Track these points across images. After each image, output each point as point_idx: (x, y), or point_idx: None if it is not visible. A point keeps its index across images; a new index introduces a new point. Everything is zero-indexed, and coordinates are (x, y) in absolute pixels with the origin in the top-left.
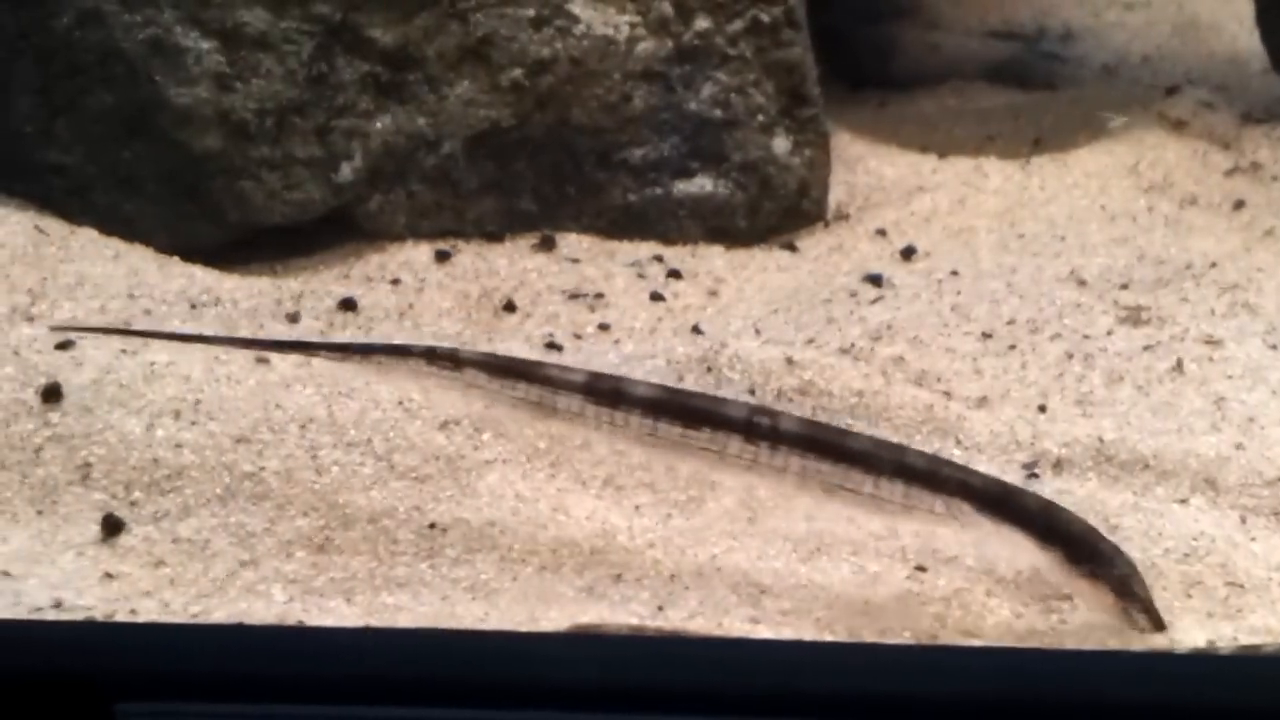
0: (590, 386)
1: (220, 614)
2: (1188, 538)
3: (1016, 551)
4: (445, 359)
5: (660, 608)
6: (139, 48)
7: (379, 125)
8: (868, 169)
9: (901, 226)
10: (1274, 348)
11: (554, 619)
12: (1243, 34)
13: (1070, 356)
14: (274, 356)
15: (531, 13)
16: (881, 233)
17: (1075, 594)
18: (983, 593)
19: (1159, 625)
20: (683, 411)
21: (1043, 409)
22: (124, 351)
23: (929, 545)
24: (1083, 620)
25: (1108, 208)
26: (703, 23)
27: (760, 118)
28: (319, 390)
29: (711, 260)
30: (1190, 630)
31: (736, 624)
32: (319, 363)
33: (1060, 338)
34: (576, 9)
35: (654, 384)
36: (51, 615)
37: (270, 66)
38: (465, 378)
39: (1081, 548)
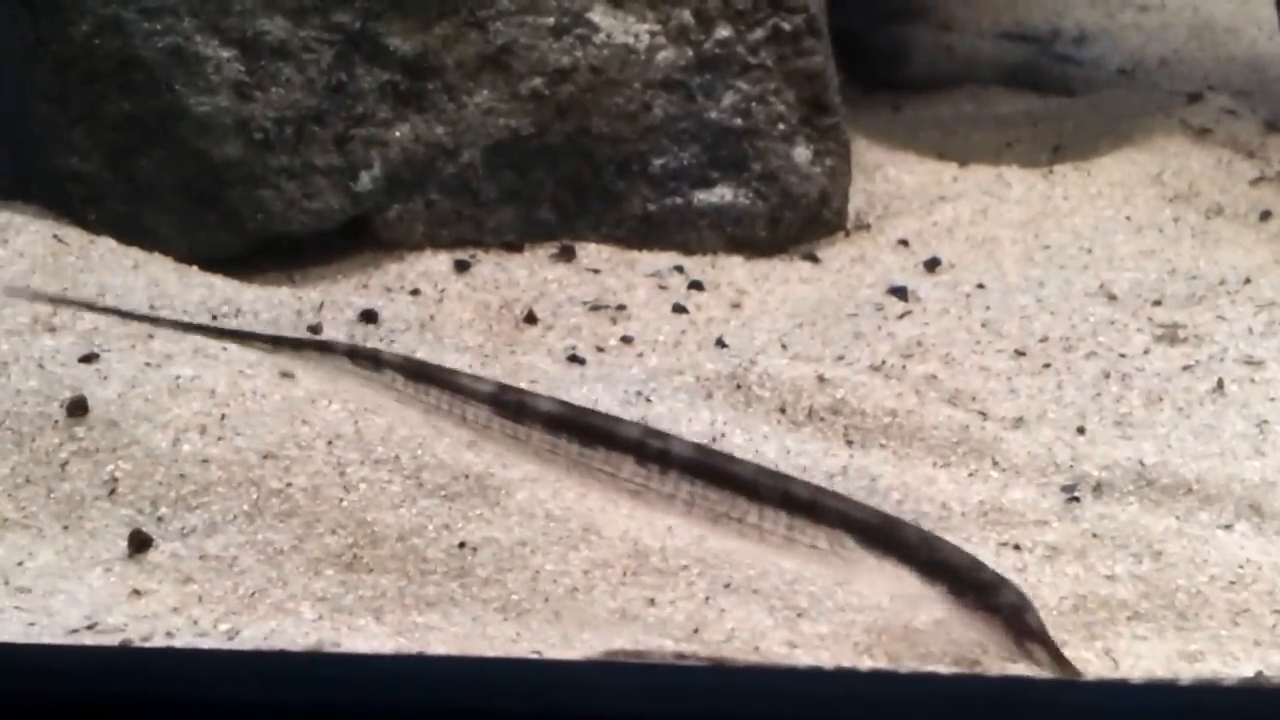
0: (496, 398)
1: (249, 632)
2: (1233, 565)
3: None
4: (367, 359)
5: (695, 630)
6: (158, 56)
7: (398, 134)
8: (887, 177)
9: (924, 237)
10: None
11: (587, 641)
12: (1261, 38)
13: (1107, 376)
14: (299, 371)
15: (551, 21)
16: (904, 243)
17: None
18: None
19: (1059, 660)
20: (581, 430)
21: (1081, 430)
22: (149, 365)
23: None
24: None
25: (1133, 218)
26: (723, 31)
27: (781, 126)
28: (345, 406)
29: (732, 271)
30: (1239, 659)
31: (774, 648)
32: (345, 378)
33: (1096, 356)
34: (596, 18)
35: (556, 400)
36: (87, 636)
37: (290, 75)
38: (384, 379)
39: (966, 580)
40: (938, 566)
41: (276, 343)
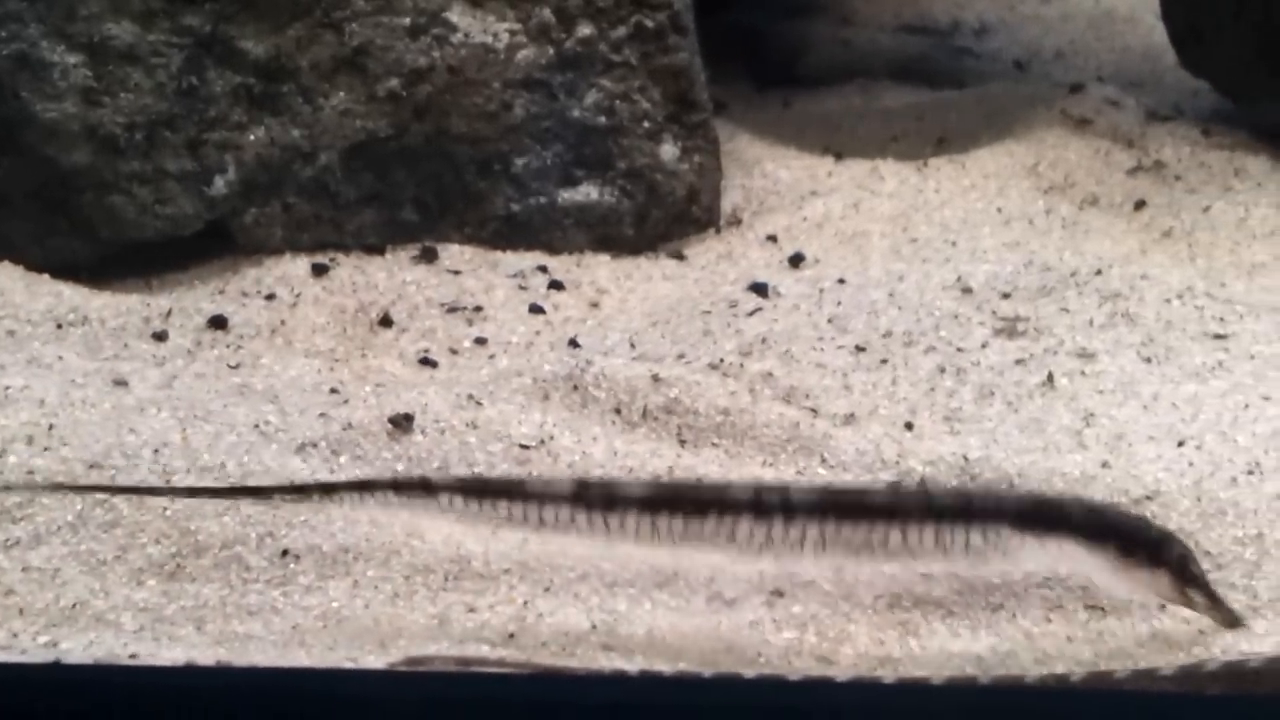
0: (578, 495)
1: (69, 644)
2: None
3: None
4: (415, 487)
5: (512, 635)
6: (3, 63)
7: (252, 137)
8: (764, 172)
9: (793, 232)
10: (1148, 360)
11: (403, 648)
12: (1158, 27)
13: (942, 371)
14: (133, 379)
15: (408, 21)
16: (772, 239)
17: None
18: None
19: (1214, 602)
20: (685, 503)
21: (910, 426)
22: None
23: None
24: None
25: (1004, 210)
26: (585, 29)
27: (646, 124)
28: (175, 414)
29: (596, 270)
30: (1051, 655)
31: (591, 653)
32: (179, 385)
33: (934, 350)
34: (454, 17)
35: (647, 482)
36: None
37: (139, 80)
38: (439, 504)
39: (1133, 540)
40: (1104, 531)
41: (303, 491)
